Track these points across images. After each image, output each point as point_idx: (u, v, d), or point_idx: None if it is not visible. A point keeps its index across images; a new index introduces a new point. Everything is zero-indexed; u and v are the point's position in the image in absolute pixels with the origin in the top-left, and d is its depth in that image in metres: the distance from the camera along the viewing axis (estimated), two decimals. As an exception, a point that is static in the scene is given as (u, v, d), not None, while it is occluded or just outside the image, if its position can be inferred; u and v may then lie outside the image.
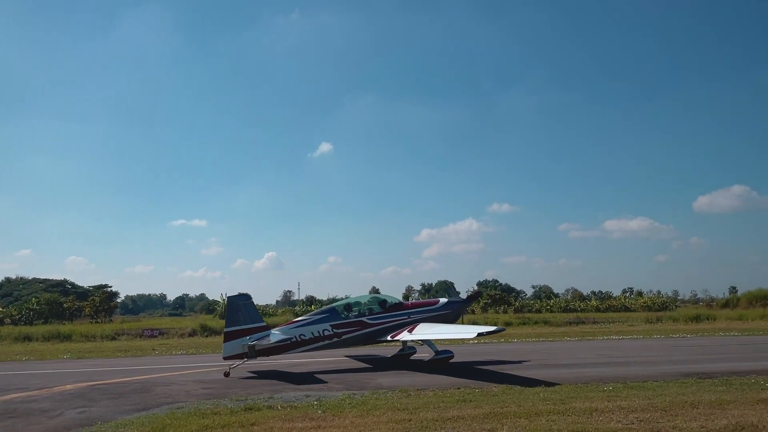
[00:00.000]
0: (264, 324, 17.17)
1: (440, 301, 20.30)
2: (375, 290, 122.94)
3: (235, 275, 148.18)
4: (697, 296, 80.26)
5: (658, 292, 73.33)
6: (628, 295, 73.50)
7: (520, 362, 18.45)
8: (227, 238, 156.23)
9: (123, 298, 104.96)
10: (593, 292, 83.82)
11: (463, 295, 24.06)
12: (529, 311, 59.76)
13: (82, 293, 71.37)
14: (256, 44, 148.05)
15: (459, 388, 12.93)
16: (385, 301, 19.48)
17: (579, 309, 61.94)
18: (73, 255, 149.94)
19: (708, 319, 42.56)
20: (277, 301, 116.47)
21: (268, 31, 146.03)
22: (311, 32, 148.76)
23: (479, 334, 16.15)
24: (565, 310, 62.29)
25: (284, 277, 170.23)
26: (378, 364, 18.71)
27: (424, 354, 19.27)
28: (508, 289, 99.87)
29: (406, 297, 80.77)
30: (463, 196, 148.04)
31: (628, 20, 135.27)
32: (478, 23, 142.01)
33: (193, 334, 37.08)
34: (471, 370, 16.58)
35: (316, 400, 11.80)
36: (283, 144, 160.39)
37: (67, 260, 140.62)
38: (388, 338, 18.30)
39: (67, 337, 34.85)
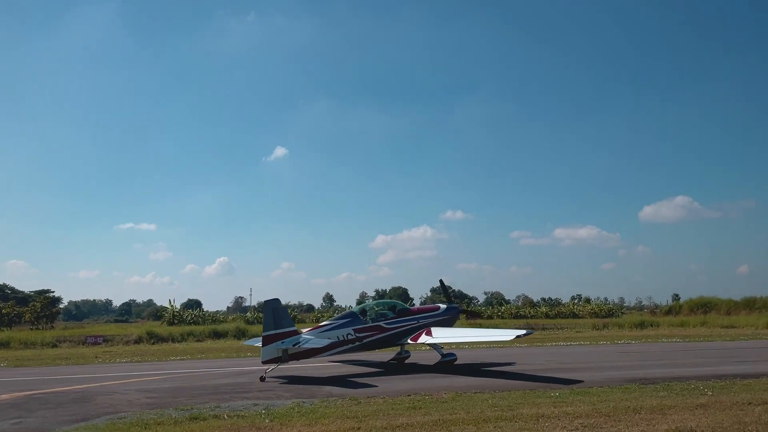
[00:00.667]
0: (295, 328, 17.18)
1: (441, 307, 21.02)
2: (329, 296, 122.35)
3: (184, 281, 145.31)
4: (642, 303, 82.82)
5: (605, 299, 75.45)
6: (576, 301, 75.12)
7: (470, 369, 18.58)
8: (177, 243, 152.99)
9: (66, 304, 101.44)
10: (543, 299, 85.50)
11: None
12: (481, 317, 60.35)
13: (22, 299, 68.41)
14: (210, 45, 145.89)
15: (409, 396, 12.91)
16: (395, 306, 20.32)
17: (529, 315, 62.95)
18: (13, 259, 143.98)
19: (652, 326, 43.82)
20: (228, 308, 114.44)
21: (222, 33, 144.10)
22: (267, 35, 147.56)
23: (517, 337, 17.16)
24: (516, 316, 63.20)
25: (236, 283, 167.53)
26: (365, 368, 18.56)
27: (414, 359, 19.22)
28: (461, 296, 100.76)
29: (359, 302, 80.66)
30: (418, 203, 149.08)
31: (576, 36, 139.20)
32: (433, 33, 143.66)
33: (139, 341, 36.02)
34: (422, 378, 16.63)
35: (264, 409, 11.59)
36: (237, 147, 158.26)
37: (6, 264, 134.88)
38: (409, 341, 19.07)
39: (4, 345, 33.31)
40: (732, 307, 53.18)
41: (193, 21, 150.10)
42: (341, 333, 18.08)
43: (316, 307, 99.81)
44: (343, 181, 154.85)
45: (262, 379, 16.48)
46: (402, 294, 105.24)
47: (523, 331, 17.43)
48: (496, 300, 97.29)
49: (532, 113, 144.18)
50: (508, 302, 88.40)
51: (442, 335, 18.86)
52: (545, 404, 11.32)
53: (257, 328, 43.05)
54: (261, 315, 54.89)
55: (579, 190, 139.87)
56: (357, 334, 18.31)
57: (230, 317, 57.68)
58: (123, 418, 11.04)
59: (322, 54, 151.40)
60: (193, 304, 79.98)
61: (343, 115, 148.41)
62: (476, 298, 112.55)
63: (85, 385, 16.23)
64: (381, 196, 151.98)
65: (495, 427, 9.42)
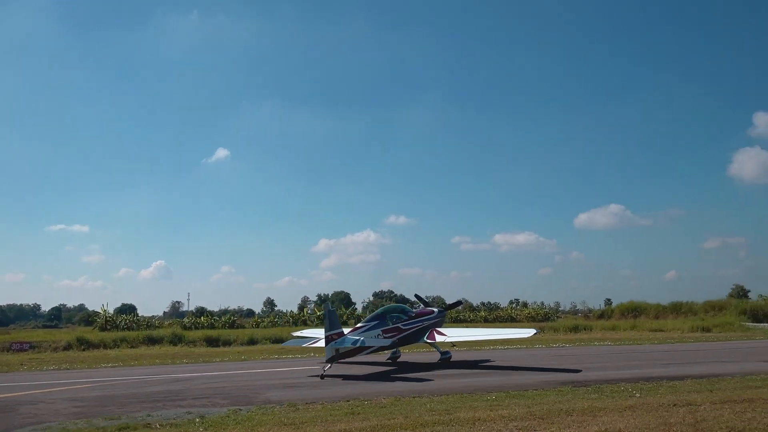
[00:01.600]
0: (342, 330, 19.04)
1: (435, 311, 23.67)
2: (270, 301, 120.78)
3: (118, 285, 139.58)
4: (577, 307, 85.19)
5: (542, 303, 76.98)
6: (514, 306, 76.61)
7: (411, 373, 18.69)
8: (111, 245, 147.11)
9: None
10: (482, 303, 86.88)
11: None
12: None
13: (-60, 303, 64.55)
14: (150, 43, 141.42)
15: (348, 401, 12.87)
16: (403, 309, 23.04)
17: (469, 320, 63.88)
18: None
19: (585, 330, 45.20)
20: (165, 313, 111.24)
21: (162, 31, 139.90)
22: (210, 34, 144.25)
23: (534, 334, 20.92)
24: (456, 320, 64.06)
25: (173, 287, 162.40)
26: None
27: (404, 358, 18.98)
28: (403, 300, 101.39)
29: (301, 307, 79.96)
30: (362, 207, 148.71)
31: (519, 45, 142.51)
32: (379, 38, 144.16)
33: (68, 347, 34.52)
34: (363, 383, 16.61)
35: (199, 417, 11.30)
36: (176, 148, 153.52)
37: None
38: (426, 339, 21.63)
39: None
40: (660, 312, 55.46)
41: (132, 18, 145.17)
42: (373, 334, 20.07)
43: (257, 312, 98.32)
44: (286, 184, 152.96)
45: (322, 377, 17.62)
46: (344, 299, 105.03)
47: (536, 330, 21.88)
48: (437, 304, 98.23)
49: (475, 121, 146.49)
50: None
51: (455, 334, 22.28)
52: (482, 408, 11.48)
53: (194, 333, 42.06)
54: (198, 320, 53.62)
55: (518, 197, 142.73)
56: (384, 335, 20.34)
57: (166, 323, 56.05)
58: (48, 428, 10.55)
59: (267, 55, 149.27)
60: (127, 309, 77.36)
61: (287, 118, 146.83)
62: (418, 303, 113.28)
63: (8, 395, 15.42)
64: (325, 199, 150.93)
65: (432, 431, 9.49)
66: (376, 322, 20.95)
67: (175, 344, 36.91)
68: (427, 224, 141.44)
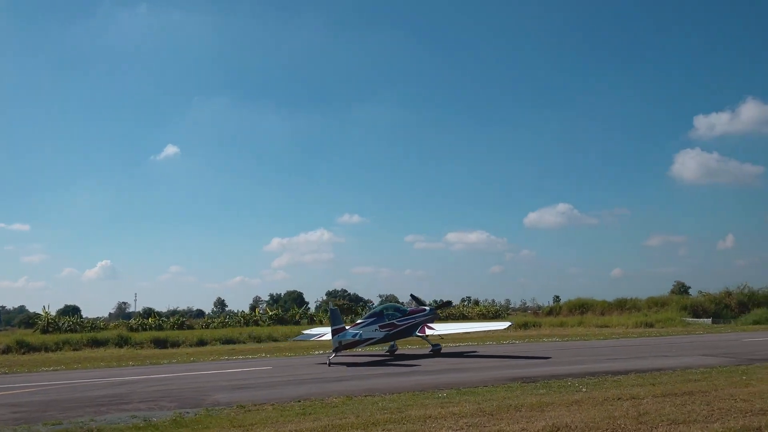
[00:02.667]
0: (344, 325, 22.25)
1: (426, 309, 26.42)
2: (221, 301, 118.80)
3: (61, 285, 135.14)
4: (526, 304, 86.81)
5: (493, 301, 78.13)
6: (466, 303, 77.48)
7: (362, 372, 18.67)
8: (54, 245, 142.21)
9: None
10: (435, 301, 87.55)
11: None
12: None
13: None
14: (95, 36, 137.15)
15: (300, 401, 12.75)
16: (398, 308, 26.02)
17: (421, 318, 64.34)
18: None
19: (534, 326, 46.10)
20: (110, 314, 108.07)
21: (109, 23, 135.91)
22: (159, 28, 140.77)
23: (509, 326, 26.20)
24: (409, 319, 64.34)
25: (119, 287, 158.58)
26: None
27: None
28: (356, 299, 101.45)
29: (252, 307, 79.08)
30: (315, 206, 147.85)
31: (473, 47, 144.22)
32: (335, 38, 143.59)
33: (7, 351, 33.17)
34: (315, 383, 16.48)
35: (143, 421, 10.99)
36: (123, 145, 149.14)
37: None
38: (417, 333, 24.59)
39: None
40: (606, 308, 56.99)
41: (77, 9, 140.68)
42: (371, 329, 23.26)
43: (207, 312, 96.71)
44: (238, 182, 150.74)
45: (329, 364, 21.00)
46: (297, 298, 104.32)
47: (511, 323, 27.17)
48: (416, 304, 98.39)
49: (428, 120, 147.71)
50: (402, 305, 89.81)
51: (442, 328, 25.56)
52: (433, 405, 11.55)
53: (142, 335, 40.98)
54: (145, 321, 52.52)
55: (470, 197, 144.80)
56: (380, 329, 23.59)
57: (112, 324, 54.38)
58: (-19, 437, 10.07)
59: (220, 50, 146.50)
60: (71, 311, 74.92)
61: (240, 114, 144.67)
62: (371, 302, 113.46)
63: (-61, 402, 14.67)
64: (278, 198, 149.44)
65: (383, 429, 9.48)
66: (374, 318, 23.99)
67: (121, 346, 35.91)
68: (380, 223, 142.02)
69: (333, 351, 21.37)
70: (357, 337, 22.02)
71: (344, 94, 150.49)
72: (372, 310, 26.14)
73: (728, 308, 52.04)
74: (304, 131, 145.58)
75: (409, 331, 24.67)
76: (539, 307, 69.82)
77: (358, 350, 24.29)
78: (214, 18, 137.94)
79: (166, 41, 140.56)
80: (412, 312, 25.49)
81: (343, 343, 21.36)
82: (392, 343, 25.37)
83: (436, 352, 24.68)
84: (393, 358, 23.60)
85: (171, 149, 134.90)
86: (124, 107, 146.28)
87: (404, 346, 28.58)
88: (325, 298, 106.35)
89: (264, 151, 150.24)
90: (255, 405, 12.43)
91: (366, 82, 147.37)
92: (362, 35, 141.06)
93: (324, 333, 25.46)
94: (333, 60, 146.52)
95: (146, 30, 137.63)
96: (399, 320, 24.54)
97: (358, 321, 24.56)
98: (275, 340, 38.87)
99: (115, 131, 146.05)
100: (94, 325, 49.30)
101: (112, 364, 25.44)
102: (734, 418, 9.43)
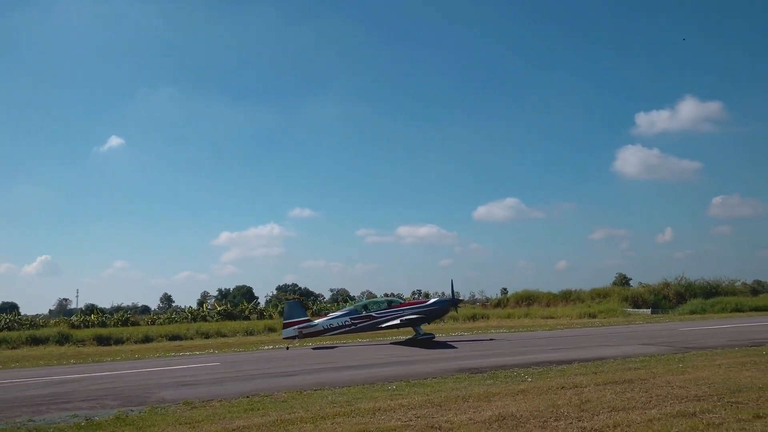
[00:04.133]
0: (308, 317, 26.72)
1: (430, 300, 28.12)
2: (167, 297, 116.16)
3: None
4: (475, 297, 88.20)
5: (443, 293, 79.00)
6: (416, 296, 78.16)
7: (312, 366, 18.61)
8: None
9: None
10: (386, 294, 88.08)
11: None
12: (326, 314, 60.78)
13: None
14: (38, 24, 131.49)
15: (248, 397, 12.61)
16: (391, 302, 28.07)
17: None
18: None
19: (483, 318, 46.81)
20: (51, 311, 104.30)
21: (52, 11, 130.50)
22: (103, 17, 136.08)
23: (402, 320, 25.92)
24: (360, 312, 64.44)
25: (60, 283, 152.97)
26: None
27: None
28: (307, 293, 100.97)
29: (200, 303, 77.66)
30: (266, 200, 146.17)
31: (426, 41, 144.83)
32: (287, 30, 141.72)
33: (-63, 350, 31.60)
34: (263, 378, 16.33)
35: (85, 420, 10.67)
36: (64, 136, 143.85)
37: None
38: (383, 326, 26.65)
39: None
40: (551, 299, 58.45)
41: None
42: (340, 320, 26.49)
43: (153, 309, 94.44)
44: (186, 176, 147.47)
45: (287, 348, 25.61)
46: (246, 293, 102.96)
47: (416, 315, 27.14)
48: (341, 297, 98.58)
49: (380, 115, 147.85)
50: (353, 298, 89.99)
51: (393, 321, 26.45)
52: (382, 398, 11.62)
53: (84, 332, 39.68)
54: (88, 318, 51.07)
55: (421, 191, 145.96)
56: (352, 321, 26.56)
57: (52, 321, 52.49)
58: None
59: (168, 42, 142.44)
60: (8, 308, 71.94)
61: (188, 106, 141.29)
62: (322, 296, 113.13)
63: None
64: (227, 192, 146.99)
65: (333, 423, 9.49)
66: (347, 312, 27.31)
67: (62, 344, 34.72)
68: (332, 217, 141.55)
69: (289, 338, 25.55)
70: (313, 328, 25.83)
71: (295, 87, 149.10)
72: (356, 304, 29.54)
73: (666, 299, 54.17)
74: (254, 124, 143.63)
75: (380, 324, 26.63)
76: (487, 299, 71.06)
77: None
78: (162, 6, 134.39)
79: (111, 30, 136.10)
80: (406, 304, 27.70)
81: (304, 333, 25.55)
82: (416, 332, 26.71)
83: (422, 341, 25.64)
84: (341, 352, 23.61)
85: (116, 141, 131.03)
86: (66, 97, 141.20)
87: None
88: (275, 292, 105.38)
89: (213, 143, 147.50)
90: (202, 402, 12.24)
91: (318, 74, 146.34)
92: (314, 27, 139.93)
93: (310, 321, 27.18)
94: (284, 52, 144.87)
95: (90, 18, 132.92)
96: (379, 313, 26.73)
97: (332, 314, 27.76)
98: (224, 336, 38.28)
99: (56, 122, 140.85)
100: (33, 322, 47.52)
101: (52, 362, 24.57)
102: (671, 404, 9.84)
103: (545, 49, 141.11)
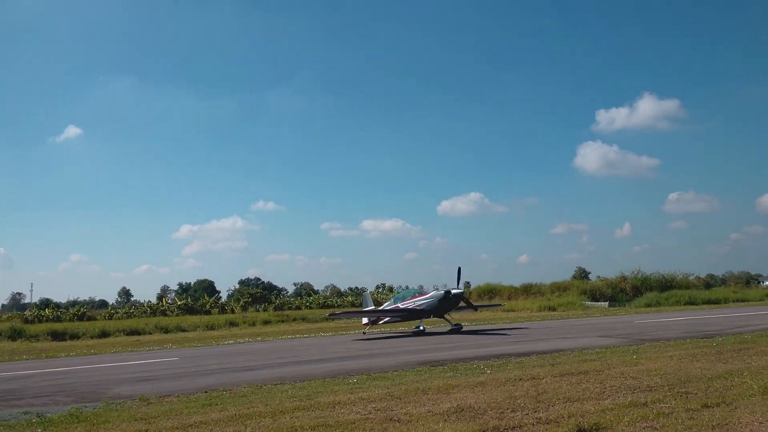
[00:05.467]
0: (374, 307, 31.03)
1: (430, 293, 29.38)
2: (126, 291, 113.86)
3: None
4: (439, 290, 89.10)
5: (407, 287, 79.46)
6: (380, 290, 78.50)
7: (273, 360, 18.49)
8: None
9: None
10: (350, 288, 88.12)
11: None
12: (290, 308, 60.65)
13: None
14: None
15: (206, 392, 12.45)
16: (421, 292, 30.13)
17: (336, 305, 64.52)
18: None
19: (446, 312, 47.24)
20: (3, 305, 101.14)
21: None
22: (62, 2, 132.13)
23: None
24: (323, 306, 64.42)
25: (14, 277, 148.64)
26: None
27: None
28: (270, 287, 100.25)
29: (160, 297, 76.38)
30: (228, 193, 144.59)
31: (389, 36, 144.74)
32: (248, 20, 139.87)
33: None
34: (223, 373, 16.15)
35: (37, 417, 10.38)
36: (18, 124, 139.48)
37: None
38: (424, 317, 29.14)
39: None
40: (513, 293, 59.41)
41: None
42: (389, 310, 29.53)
43: (111, 303, 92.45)
44: (145, 167, 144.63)
45: (365, 333, 28.69)
46: (208, 287, 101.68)
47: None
48: (305, 291, 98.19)
49: (345, 107, 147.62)
50: (317, 292, 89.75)
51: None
52: (342, 391, 11.60)
53: (37, 327, 38.67)
54: (42, 313, 49.97)
55: (386, 185, 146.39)
56: (394, 311, 29.27)
57: (4, 316, 50.98)
58: None
59: (127, 28, 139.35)
60: (-42, 302, 69.56)
61: (148, 96, 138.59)
62: (286, 289, 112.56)
63: None
64: (188, 184, 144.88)
65: (291, 417, 9.43)
66: (391, 303, 30.23)
67: (14, 339, 33.80)
68: (296, 210, 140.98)
69: (366, 324, 29.72)
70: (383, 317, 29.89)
71: (258, 79, 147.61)
72: (396, 296, 32.10)
73: (623, 292, 55.55)
74: (216, 115, 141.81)
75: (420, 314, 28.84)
76: (451, 293, 71.50)
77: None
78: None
79: (68, 16, 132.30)
80: (420, 296, 29.56)
81: (371, 320, 29.81)
82: (450, 321, 29.12)
83: (455, 331, 27.47)
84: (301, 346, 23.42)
85: (73, 130, 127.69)
86: (20, 85, 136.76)
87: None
88: (237, 286, 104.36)
89: (174, 134, 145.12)
90: (159, 397, 12.03)
91: (281, 66, 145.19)
92: (277, 18, 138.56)
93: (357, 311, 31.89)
94: (247, 43, 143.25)
95: (46, 3, 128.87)
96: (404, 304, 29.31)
97: (384, 304, 31.61)
98: (183, 331, 37.78)
99: (11, 109, 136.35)
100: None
101: (3, 358, 23.86)
102: (623, 394, 10.07)
103: (507, 46, 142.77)
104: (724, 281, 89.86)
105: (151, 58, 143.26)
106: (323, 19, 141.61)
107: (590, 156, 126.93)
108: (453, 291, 28.05)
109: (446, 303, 28.25)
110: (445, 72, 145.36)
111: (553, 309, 47.09)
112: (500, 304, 45.93)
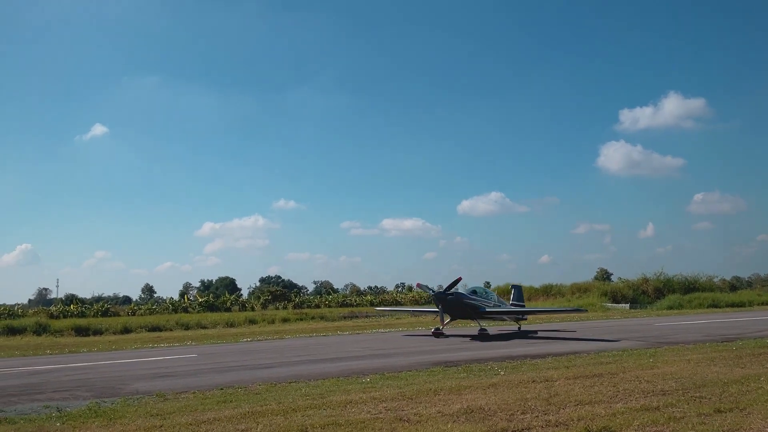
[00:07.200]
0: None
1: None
2: (149, 287, 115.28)
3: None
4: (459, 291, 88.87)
5: (426, 287, 79.35)
6: (399, 289, 78.61)
7: (289, 358, 18.66)
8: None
9: None
10: (369, 287, 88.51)
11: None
12: (309, 307, 60.98)
13: None
14: (20, 8, 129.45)
15: (222, 389, 12.63)
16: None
17: (355, 303, 64.71)
18: None
19: (464, 312, 47.09)
20: (30, 300, 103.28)
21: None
22: (88, 3, 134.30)
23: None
24: (342, 304, 64.62)
25: (40, 273, 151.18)
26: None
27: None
28: (291, 285, 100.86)
29: (182, 294, 77.41)
30: (250, 191, 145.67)
31: (414, 35, 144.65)
32: (272, 19, 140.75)
33: None
34: (239, 371, 16.35)
35: (56, 411, 10.64)
36: (46, 123, 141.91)
37: None
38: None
39: None
40: (533, 294, 58.99)
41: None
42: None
43: (134, 299, 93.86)
44: (169, 165, 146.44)
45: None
46: (229, 284, 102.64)
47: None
48: (325, 289, 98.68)
49: (366, 106, 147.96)
50: (336, 291, 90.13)
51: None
52: (355, 390, 11.70)
53: (62, 322, 39.43)
54: (67, 308, 50.41)
55: (406, 184, 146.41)
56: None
57: (30, 311, 52.02)
58: None
59: (151, 28, 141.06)
60: (-14, 297, 71.23)
61: (173, 95, 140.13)
62: (306, 288, 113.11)
63: None
64: (211, 182, 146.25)
65: (303, 415, 9.54)
66: (504, 299, 31.16)
67: (39, 334, 34.48)
68: (317, 209, 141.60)
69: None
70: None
71: (280, 78, 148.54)
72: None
73: (645, 294, 54.91)
74: (239, 114, 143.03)
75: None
76: (470, 293, 71.19)
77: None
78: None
79: (93, 15, 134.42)
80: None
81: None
82: (518, 323, 30.14)
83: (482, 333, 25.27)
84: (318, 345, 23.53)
85: (99, 129, 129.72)
86: (49, 83, 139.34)
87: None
88: (258, 284, 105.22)
89: (197, 133, 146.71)
90: (175, 393, 12.24)
91: (303, 65, 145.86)
92: (299, 18, 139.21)
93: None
94: (270, 42, 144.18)
95: (73, 3, 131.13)
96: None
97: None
98: (204, 328, 38.24)
99: (38, 108, 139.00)
100: (11, 312, 47.10)
101: (28, 353, 24.39)
102: (636, 398, 10.02)
103: (530, 46, 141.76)
104: (750, 284, 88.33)
105: (175, 58, 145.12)
106: (345, 18, 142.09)
107: (613, 156, 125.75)
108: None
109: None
110: (466, 71, 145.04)
111: (573, 310, 46.72)
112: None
